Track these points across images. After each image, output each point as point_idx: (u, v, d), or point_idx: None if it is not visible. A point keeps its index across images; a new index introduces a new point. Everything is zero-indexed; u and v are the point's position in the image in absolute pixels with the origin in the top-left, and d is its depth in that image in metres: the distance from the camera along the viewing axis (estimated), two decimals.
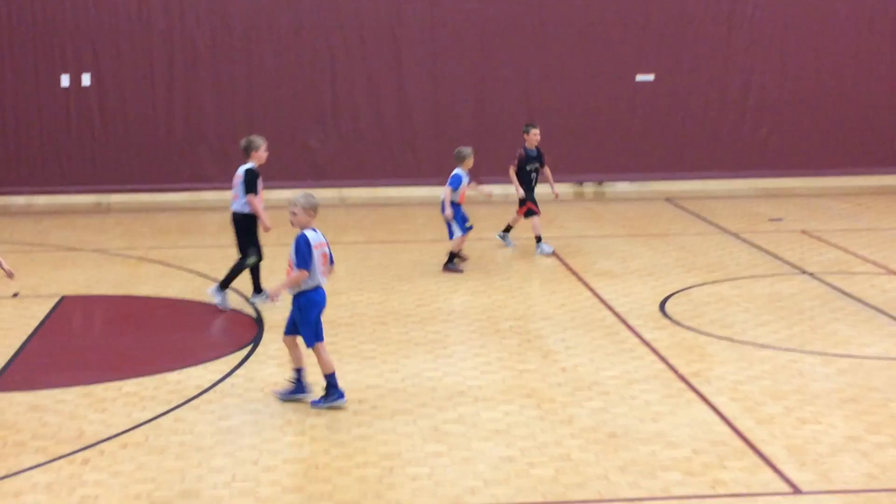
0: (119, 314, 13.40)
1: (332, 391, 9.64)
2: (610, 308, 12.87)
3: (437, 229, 17.17)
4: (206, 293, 13.05)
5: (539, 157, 15.99)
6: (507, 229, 16.38)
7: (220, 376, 10.47)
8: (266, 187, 18.62)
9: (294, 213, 9.72)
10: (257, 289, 13.15)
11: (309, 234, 9.68)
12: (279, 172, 20.41)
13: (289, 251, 9.70)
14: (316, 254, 9.66)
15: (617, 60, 21.05)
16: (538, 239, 15.83)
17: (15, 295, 13.63)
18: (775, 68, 21.27)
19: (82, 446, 8.78)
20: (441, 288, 13.88)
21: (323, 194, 19.82)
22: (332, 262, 9.96)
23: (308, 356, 9.82)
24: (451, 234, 14.86)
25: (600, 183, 21.20)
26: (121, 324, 13.11)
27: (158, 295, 13.79)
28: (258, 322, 12.43)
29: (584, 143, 21.09)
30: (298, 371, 9.80)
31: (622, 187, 21.29)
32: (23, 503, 7.79)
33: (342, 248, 16.37)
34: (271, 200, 19.96)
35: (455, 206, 14.79)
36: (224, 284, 12.94)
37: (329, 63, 20.61)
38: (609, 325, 12.17)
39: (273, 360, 11.04)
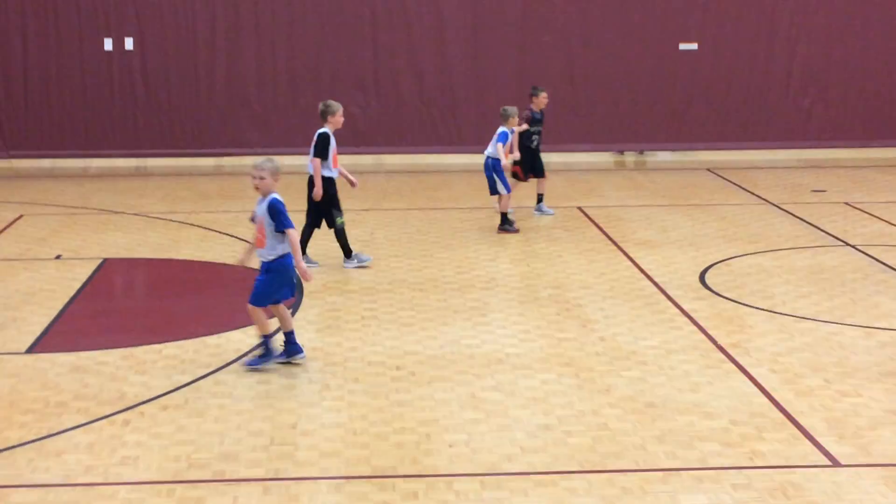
0: (160, 277, 13.50)
1: (292, 348, 9.87)
2: (649, 278, 12.82)
3: (477, 197, 17.18)
4: (344, 267, 13.26)
5: (542, 121, 16.10)
6: (540, 199, 16.34)
7: (258, 341, 10.52)
8: (306, 153, 18.69)
9: (262, 178, 9.80)
10: (344, 251, 13.41)
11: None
12: (308, 138, 20.45)
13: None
14: None
15: (660, 29, 20.86)
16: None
17: (58, 257, 13.75)
18: (820, 37, 20.99)
19: (123, 407, 8.86)
20: (480, 256, 13.87)
21: (362, 160, 19.95)
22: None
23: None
24: (494, 190, 15.11)
25: (641, 152, 21.07)
26: (161, 287, 13.21)
27: (199, 259, 13.87)
28: (297, 287, 12.47)
29: (625, 112, 20.95)
30: (266, 338, 9.91)
31: (663, 156, 21.14)
32: (65, 462, 7.87)
33: (381, 214, 16.41)
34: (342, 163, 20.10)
35: (499, 164, 14.94)
36: (348, 254, 13.26)
37: (371, 29, 20.54)
38: (648, 295, 12.12)
39: (312, 325, 11.08)
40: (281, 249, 9.74)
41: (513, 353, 10.20)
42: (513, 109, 15.15)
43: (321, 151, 13.07)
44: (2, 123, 20.22)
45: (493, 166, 15.01)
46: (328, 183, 13.15)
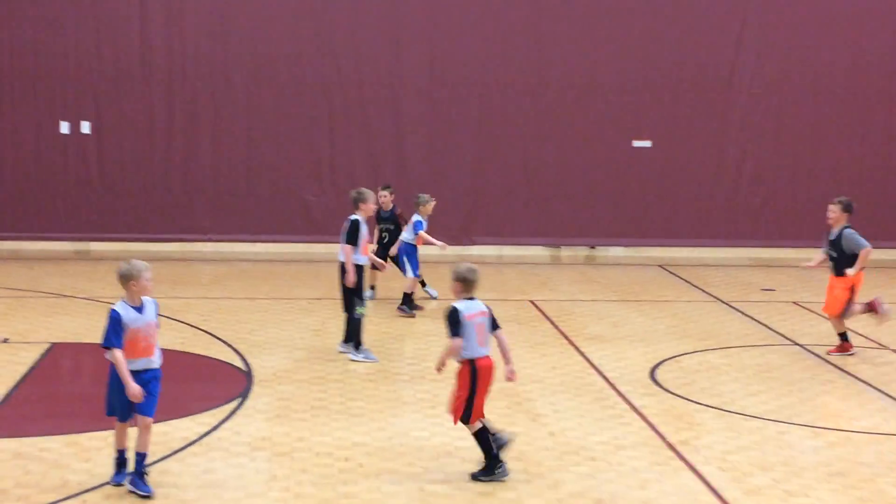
0: (108, 363, 13.35)
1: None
2: (600, 373, 12.85)
3: (432, 286, 17.18)
4: (349, 358, 13.17)
5: (390, 219, 16.64)
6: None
7: (207, 429, 10.42)
8: (260, 240, 18.78)
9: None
10: (353, 342, 13.32)
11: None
12: (274, 226, 20.51)
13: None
14: None
15: (614, 126, 21.16)
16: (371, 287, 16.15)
17: (5, 340, 13.59)
18: (771, 140, 21.39)
19: (66, 496, 8.72)
20: (431, 347, 13.85)
21: (316, 249, 19.97)
22: None
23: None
24: (404, 271, 16.00)
25: (592, 247, 21.24)
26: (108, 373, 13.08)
27: None
28: (247, 375, 12.39)
29: (579, 207, 21.14)
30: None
31: (616, 252, 21.32)
32: None
33: (335, 303, 16.33)
34: (266, 254, 20.11)
35: (412, 248, 15.93)
36: (357, 345, 13.20)
37: (328, 120, 20.70)
38: (599, 390, 12.14)
39: (261, 413, 10.99)
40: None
41: (462, 445, 10.14)
42: (426, 196, 16.29)
43: (352, 238, 13.13)
44: None
45: (405, 250, 15.99)
46: (356, 270, 13.18)
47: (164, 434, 10.24)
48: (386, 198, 16.54)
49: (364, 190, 13.71)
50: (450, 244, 20.52)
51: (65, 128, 20.23)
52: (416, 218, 15.97)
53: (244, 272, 18.86)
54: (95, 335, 13.90)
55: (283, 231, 20.50)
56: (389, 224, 16.56)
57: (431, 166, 20.97)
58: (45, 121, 20.20)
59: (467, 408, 9.37)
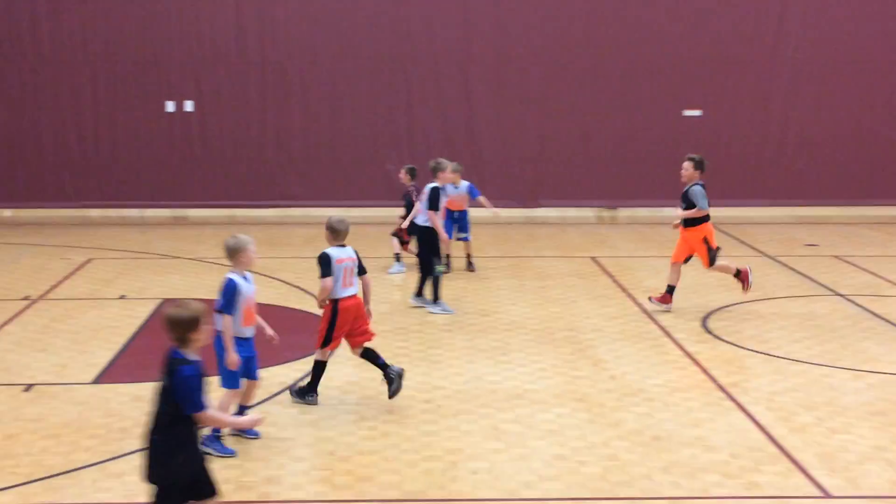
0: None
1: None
2: (656, 322, 12.78)
3: (498, 246, 17.18)
4: (427, 311, 13.19)
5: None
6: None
7: (302, 374, 10.54)
8: (344, 205, 18.92)
9: None
10: (432, 296, 13.28)
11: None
12: (357, 192, 20.60)
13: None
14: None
15: (667, 97, 20.95)
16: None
17: (122, 297, 13.83)
18: (812, 107, 21.06)
19: None
20: (502, 300, 13.87)
21: (395, 213, 20.00)
22: None
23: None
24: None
25: (614, 208, 20.99)
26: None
27: None
28: None
29: (633, 172, 20.99)
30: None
31: (668, 212, 21.07)
32: (125, 483, 7.90)
33: (413, 261, 16.40)
34: (350, 217, 20.18)
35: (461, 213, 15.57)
36: (435, 299, 13.22)
37: (405, 94, 20.72)
38: (655, 338, 12.08)
39: (350, 360, 11.05)
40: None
41: (531, 389, 10.18)
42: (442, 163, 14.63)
43: (434, 204, 13.20)
44: (75, 177, 20.44)
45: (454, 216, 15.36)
46: (432, 233, 13.22)
47: (263, 380, 10.31)
48: (403, 176, 16.22)
49: (441, 160, 13.78)
50: (518, 206, 20.59)
51: (170, 106, 20.46)
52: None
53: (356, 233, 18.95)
54: (201, 292, 14.19)
55: (365, 197, 20.56)
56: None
57: (500, 137, 20.91)
58: (153, 101, 20.44)
59: (326, 337, 9.54)
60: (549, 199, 21.03)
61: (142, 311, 13.10)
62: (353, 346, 9.76)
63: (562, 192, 21.02)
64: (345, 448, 8.65)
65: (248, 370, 8.84)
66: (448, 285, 14.67)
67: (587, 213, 20.89)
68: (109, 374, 10.59)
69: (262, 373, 10.52)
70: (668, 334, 12.21)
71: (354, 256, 9.79)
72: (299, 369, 10.72)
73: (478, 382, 10.38)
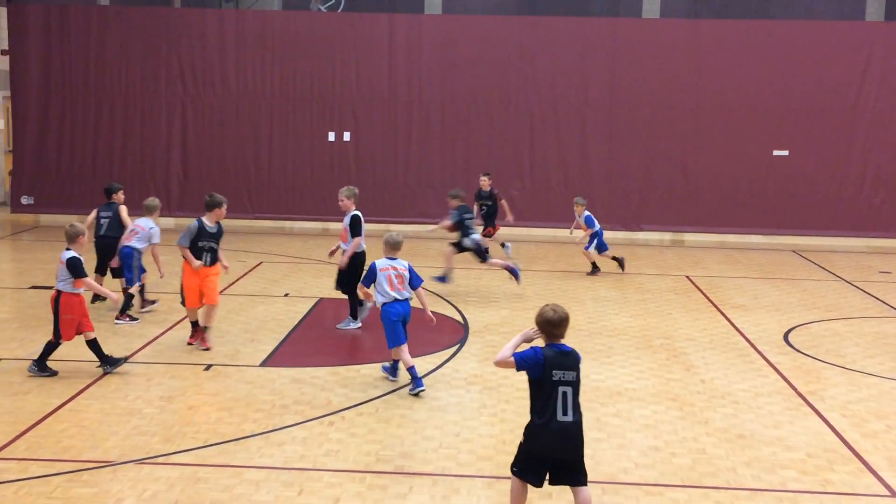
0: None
1: (415, 381, 9.60)
2: (742, 335, 12.46)
3: (605, 263, 16.97)
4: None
5: (487, 197, 16.96)
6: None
7: (433, 367, 10.59)
8: (475, 224, 18.86)
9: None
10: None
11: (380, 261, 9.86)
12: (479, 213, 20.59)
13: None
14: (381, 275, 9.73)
15: (758, 138, 20.47)
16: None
17: (286, 295, 14.09)
18: (888, 150, 20.33)
19: (329, 412, 9.02)
20: (607, 310, 13.70)
21: (518, 232, 20.02)
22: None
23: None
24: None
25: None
26: (362, 321, 13.38)
27: None
28: (464, 327, 12.52)
29: (727, 202, 20.55)
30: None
31: (756, 239, 20.60)
32: (284, 451, 8.05)
33: (532, 274, 16.36)
34: (502, 235, 20.20)
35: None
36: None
37: (528, 129, 20.70)
38: (741, 349, 11.78)
39: (475, 356, 11.09)
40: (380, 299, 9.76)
41: (630, 387, 10.03)
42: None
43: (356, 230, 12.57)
44: (250, 193, 20.94)
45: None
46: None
47: (402, 370, 10.44)
48: (485, 181, 17.02)
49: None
50: (623, 230, 20.35)
51: (331, 136, 20.83)
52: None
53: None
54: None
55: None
56: (487, 201, 16.97)
57: (608, 169, 20.72)
58: (317, 132, 20.85)
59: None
60: (650, 224, 20.73)
61: (302, 308, 13.30)
62: None
63: (661, 219, 20.69)
64: (468, 431, 8.65)
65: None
66: (556, 294, 14.57)
67: (684, 236, 20.48)
68: (274, 359, 10.79)
69: (402, 364, 10.65)
70: (752, 346, 11.89)
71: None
72: (431, 361, 10.77)
73: (584, 380, 10.10)
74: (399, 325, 9.67)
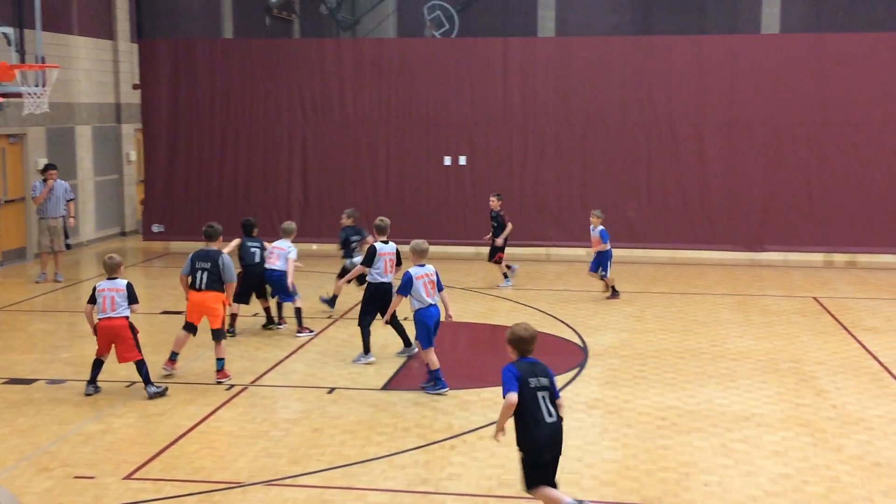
0: (479, 338, 13.73)
1: (438, 382, 10.30)
2: (875, 358, 11.99)
3: (728, 285, 16.61)
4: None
5: (495, 218, 16.79)
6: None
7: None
8: (589, 245, 18.78)
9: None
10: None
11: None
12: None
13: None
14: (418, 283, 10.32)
15: (887, 153, 19.74)
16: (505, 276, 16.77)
17: (405, 319, 14.16)
18: None
19: (450, 435, 9.05)
20: (730, 332, 13.38)
21: (635, 254, 19.77)
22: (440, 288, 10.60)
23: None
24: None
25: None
26: (480, 345, 13.43)
27: (509, 324, 13.91)
28: (584, 350, 12.41)
29: (852, 220, 19.86)
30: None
31: (888, 258, 19.80)
32: (407, 474, 8.11)
33: (650, 296, 16.12)
34: (618, 256, 20.02)
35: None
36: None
37: (645, 150, 20.44)
38: (874, 372, 11.34)
39: (595, 380, 10.98)
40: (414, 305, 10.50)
41: (757, 412, 9.76)
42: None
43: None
44: (368, 218, 21.12)
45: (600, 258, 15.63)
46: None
47: None
48: (494, 202, 16.88)
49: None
50: (745, 250, 19.89)
51: (447, 161, 21.00)
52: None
53: (580, 271, 18.87)
54: (471, 316, 14.42)
55: (613, 238, 20.39)
56: (493, 221, 16.80)
57: (728, 188, 20.26)
58: (433, 156, 21.04)
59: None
60: (773, 244, 20.19)
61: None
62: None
63: (785, 238, 20.13)
64: (590, 455, 8.56)
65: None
66: (677, 317, 14.30)
67: (810, 257, 19.86)
68: (395, 382, 10.90)
69: None
70: (887, 370, 11.43)
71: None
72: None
73: (708, 404, 10.05)
74: (433, 328, 10.34)
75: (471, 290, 16.57)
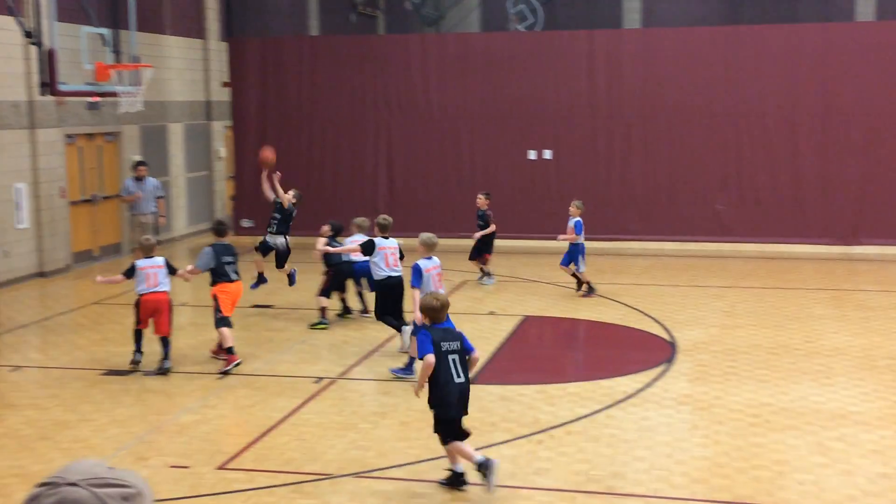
0: (565, 332, 13.67)
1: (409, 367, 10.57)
2: None
3: (822, 280, 16.21)
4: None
5: (481, 217, 16.37)
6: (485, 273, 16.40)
7: (641, 386, 10.40)
8: (678, 239, 18.52)
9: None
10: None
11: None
12: (687, 228, 20.10)
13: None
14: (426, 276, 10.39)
15: None
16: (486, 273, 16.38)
17: (491, 313, 14.21)
18: None
19: (537, 430, 9.01)
20: (825, 328, 13.04)
21: (724, 248, 19.42)
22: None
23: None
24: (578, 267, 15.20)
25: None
26: (566, 339, 13.37)
27: (595, 319, 13.89)
28: (672, 345, 12.24)
29: None
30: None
31: None
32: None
33: (740, 291, 15.81)
34: (683, 251, 19.75)
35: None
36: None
37: (735, 144, 20.04)
38: None
39: (684, 375, 10.82)
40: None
41: (854, 410, 9.50)
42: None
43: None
44: (454, 212, 21.20)
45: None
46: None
47: (609, 388, 10.34)
48: (481, 200, 16.47)
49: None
50: (839, 244, 19.35)
51: (532, 155, 20.90)
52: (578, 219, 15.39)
53: (666, 265, 18.66)
54: (557, 310, 14.36)
55: (696, 232, 20.08)
56: (479, 220, 16.43)
57: (822, 181, 19.74)
58: (518, 150, 20.96)
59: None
60: (869, 237, 19.61)
61: (507, 326, 13.35)
62: None
63: (883, 231, 19.53)
64: (680, 452, 8.43)
65: None
66: (770, 312, 14.00)
67: None
68: (481, 377, 10.85)
69: (609, 382, 10.56)
70: None
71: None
72: (639, 381, 10.58)
73: (803, 402, 9.81)
74: None
75: (556, 285, 16.47)
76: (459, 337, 7.63)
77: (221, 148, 23.77)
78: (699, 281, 16.93)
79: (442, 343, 7.44)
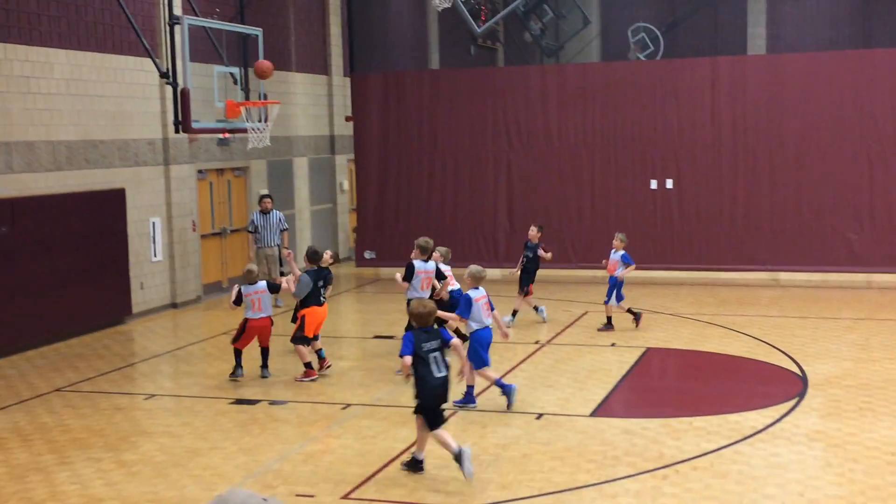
0: (689, 364, 13.39)
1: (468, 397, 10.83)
2: None
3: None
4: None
5: (529, 248, 15.73)
6: (514, 313, 15.66)
7: (770, 421, 10.11)
8: (806, 269, 17.96)
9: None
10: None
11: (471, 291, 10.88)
12: (815, 258, 19.42)
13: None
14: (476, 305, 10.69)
15: None
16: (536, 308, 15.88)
17: (613, 345, 14.06)
18: None
19: (662, 465, 8.86)
20: None
21: (856, 278, 18.73)
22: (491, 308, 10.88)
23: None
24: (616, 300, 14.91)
25: None
26: (691, 372, 13.10)
27: (721, 352, 13.58)
28: (803, 379, 11.85)
29: None
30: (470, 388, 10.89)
31: None
32: None
33: (875, 323, 15.21)
34: (812, 281, 19.11)
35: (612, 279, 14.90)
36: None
37: (867, 170, 19.34)
38: None
39: (816, 411, 10.46)
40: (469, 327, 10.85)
41: None
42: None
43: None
44: (574, 242, 21.12)
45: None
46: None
47: (736, 423, 10.08)
48: (533, 232, 15.78)
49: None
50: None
51: (653, 184, 20.63)
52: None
53: (796, 296, 18.12)
54: (680, 342, 14.09)
55: (827, 262, 19.42)
56: (528, 252, 15.71)
57: None
58: (639, 180, 20.73)
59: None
60: None
61: (629, 357, 13.19)
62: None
63: None
64: (812, 490, 8.15)
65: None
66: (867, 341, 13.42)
67: None
68: (604, 409, 10.78)
69: (737, 417, 10.28)
70: None
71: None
72: (768, 416, 10.28)
73: None
74: (486, 348, 10.80)
75: (679, 316, 16.19)
76: (439, 336, 8.71)
77: (344, 181, 24.28)
78: (830, 313, 16.38)
79: (423, 344, 8.55)
